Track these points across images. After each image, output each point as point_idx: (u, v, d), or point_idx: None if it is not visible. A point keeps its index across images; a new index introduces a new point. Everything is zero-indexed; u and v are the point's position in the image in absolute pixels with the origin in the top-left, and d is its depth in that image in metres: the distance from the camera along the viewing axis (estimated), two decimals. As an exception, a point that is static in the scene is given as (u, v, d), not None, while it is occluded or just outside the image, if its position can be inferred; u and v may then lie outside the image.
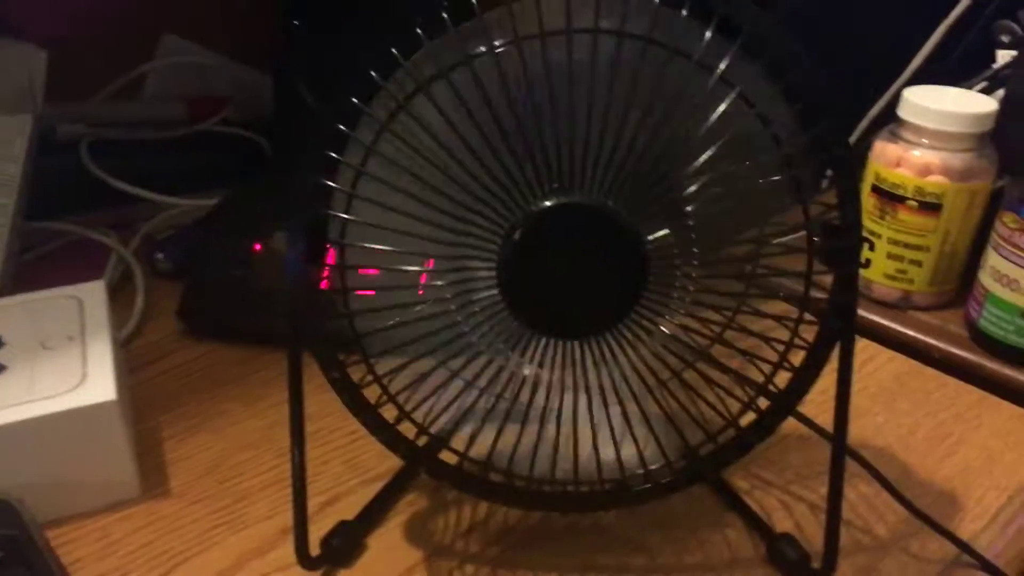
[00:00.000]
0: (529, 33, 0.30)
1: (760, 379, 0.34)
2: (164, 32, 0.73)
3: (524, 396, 0.33)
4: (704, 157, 0.29)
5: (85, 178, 0.64)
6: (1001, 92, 0.69)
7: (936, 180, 0.57)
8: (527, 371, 0.33)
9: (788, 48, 0.30)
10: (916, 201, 0.57)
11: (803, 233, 0.31)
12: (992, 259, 0.54)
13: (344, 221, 0.32)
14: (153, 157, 0.70)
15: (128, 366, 0.51)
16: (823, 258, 0.32)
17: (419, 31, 0.30)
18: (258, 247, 0.54)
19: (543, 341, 0.32)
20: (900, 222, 0.58)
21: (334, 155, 0.31)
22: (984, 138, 0.57)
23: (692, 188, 0.29)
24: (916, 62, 0.73)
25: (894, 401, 0.50)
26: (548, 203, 0.30)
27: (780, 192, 0.29)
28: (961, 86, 0.67)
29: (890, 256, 0.59)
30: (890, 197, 0.58)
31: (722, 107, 0.29)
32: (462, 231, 0.31)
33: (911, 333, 0.58)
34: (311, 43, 0.65)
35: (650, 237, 0.29)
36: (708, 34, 0.29)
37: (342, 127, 0.31)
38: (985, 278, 0.55)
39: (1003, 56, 0.74)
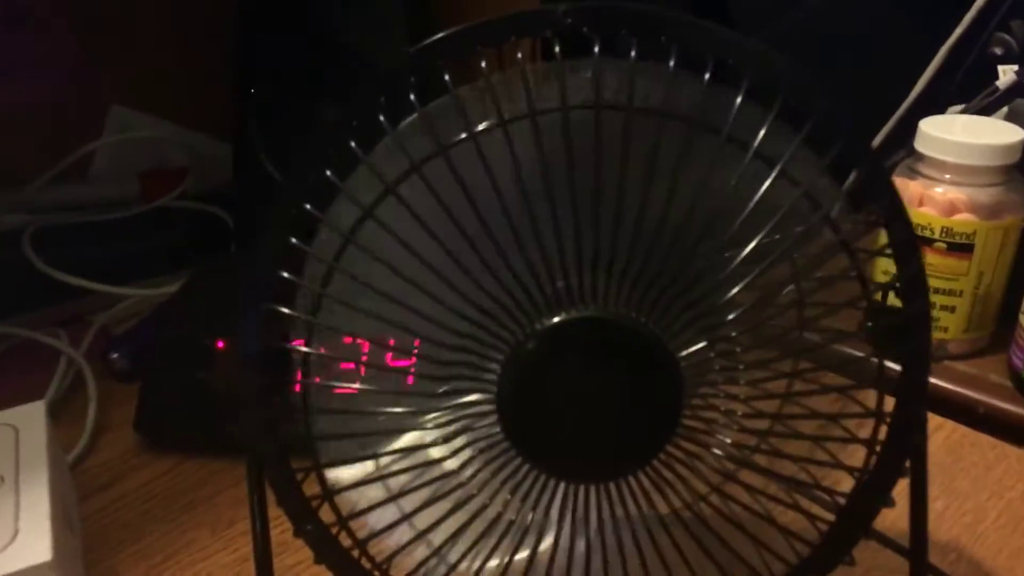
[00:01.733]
0: (518, 113, 0.24)
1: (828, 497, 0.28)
2: (112, 104, 0.67)
3: (526, 548, 0.27)
4: (747, 251, 0.23)
5: (29, 272, 0.58)
6: (1005, 110, 0.65)
7: (965, 218, 0.52)
8: (531, 518, 0.27)
9: (833, 111, 0.24)
10: (944, 243, 0.52)
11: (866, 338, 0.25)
12: (1036, 303, 0.49)
13: (309, 324, 0.26)
14: (105, 242, 0.64)
15: (79, 494, 0.44)
16: (884, 351, 0.26)
17: (381, 118, 0.24)
18: (220, 344, 0.48)
19: (555, 484, 0.26)
20: (929, 266, 0.53)
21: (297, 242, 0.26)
22: (1012, 169, 0.52)
23: (733, 291, 0.24)
24: (920, 84, 0.69)
25: (952, 481, 0.44)
26: (557, 319, 0.24)
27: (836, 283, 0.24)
28: (967, 105, 0.63)
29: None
30: (915, 239, 0.53)
31: (763, 188, 0.24)
32: (449, 360, 0.25)
33: (950, 387, 0.53)
34: (270, 110, 0.60)
35: (683, 353, 0.24)
36: (739, 100, 0.24)
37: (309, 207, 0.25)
38: (1029, 324, 0.50)
39: (1004, 71, 0.70)
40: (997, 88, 0.66)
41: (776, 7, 0.72)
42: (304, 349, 0.26)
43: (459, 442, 0.26)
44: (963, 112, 0.63)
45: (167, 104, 0.68)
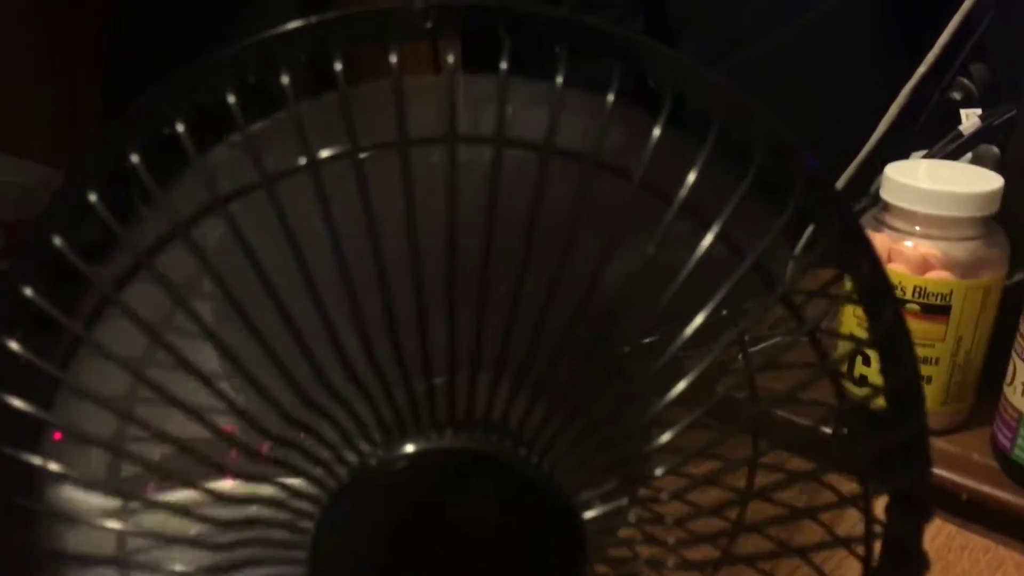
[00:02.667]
0: (380, 140, 0.17)
1: None
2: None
3: None
4: (670, 352, 0.16)
5: None
6: (969, 155, 0.60)
7: (939, 276, 0.45)
8: None
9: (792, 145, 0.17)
10: (918, 304, 0.46)
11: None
12: (1023, 373, 0.43)
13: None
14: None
15: None
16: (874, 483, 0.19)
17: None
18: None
19: None
20: (900, 331, 0.46)
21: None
22: (990, 221, 0.46)
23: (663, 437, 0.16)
24: (882, 127, 0.63)
25: (944, 597, 0.37)
26: (402, 449, 0.17)
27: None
28: (929, 151, 0.58)
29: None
30: (884, 300, 0.46)
31: (694, 258, 0.16)
32: (240, 495, 0.17)
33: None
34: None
35: (588, 515, 0.16)
36: (656, 130, 0.17)
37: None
38: (1016, 398, 0.43)
39: (967, 115, 0.65)
40: (960, 133, 0.61)
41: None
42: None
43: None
44: (926, 158, 0.57)
45: (36, 145, 0.60)
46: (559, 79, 0.17)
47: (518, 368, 0.17)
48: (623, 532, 0.19)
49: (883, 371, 0.19)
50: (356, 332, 0.16)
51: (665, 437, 0.17)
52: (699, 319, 0.17)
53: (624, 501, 0.17)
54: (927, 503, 0.20)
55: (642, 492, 0.17)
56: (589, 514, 0.17)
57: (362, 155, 0.18)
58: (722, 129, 0.16)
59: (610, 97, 0.17)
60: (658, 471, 0.17)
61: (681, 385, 0.18)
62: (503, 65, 0.17)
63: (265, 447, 0.18)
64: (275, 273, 0.16)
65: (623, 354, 0.17)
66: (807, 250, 0.18)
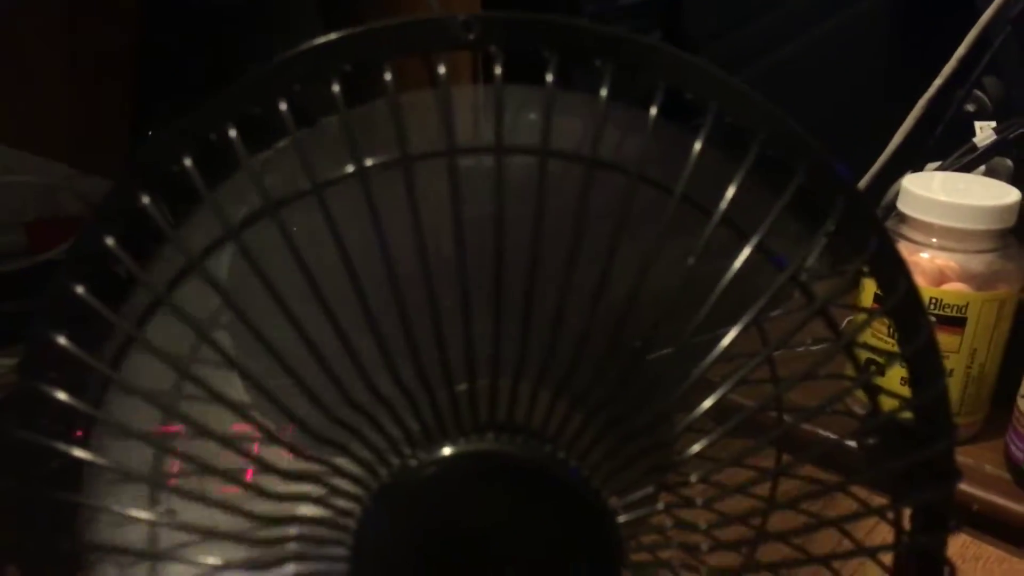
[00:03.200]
0: (422, 151, 0.18)
1: None
2: (-5, 144, 0.59)
3: None
4: (712, 358, 0.16)
5: None
6: (983, 168, 0.60)
7: (955, 288, 0.45)
8: None
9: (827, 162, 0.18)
10: (933, 315, 0.46)
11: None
12: (1037, 386, 0.43)
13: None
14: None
15: None
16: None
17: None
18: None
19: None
20: (915, 342, 0.47)
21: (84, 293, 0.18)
22: (1007, 234, 0.46)
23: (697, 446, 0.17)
24: (898, 138, 0.63)
25: (958, 609, 0.37)
26: (441, 451, 0.17)
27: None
28: (943, 163, 0.58)
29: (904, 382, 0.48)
30: (899, 311, 0.47)
31: (735, 267, 0.17)
32: (277, 519, 0.17)
33: (942, 481, 0.46)
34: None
35: (622, 519, 0.16)
36: (698, 144, 0.17)
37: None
38: (1030, 410, 0.44)
39: (981, 128, 0.66)
40: (975, 146, 0.62)
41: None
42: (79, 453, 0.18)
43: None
44: (940, 170, 0.58)
45: (59, 145, 0.60)
46: (603, 92, 0.17)
47: (558, 376, 0.17)
48: (650, 538, 0.20)
49: (913, 387, 0.20)
50: (403, 336, 0.16)
51: (696, 448, 0.18)
52: (735, 331, 0.18)
53: (657, 507, 0.17)
54: (953, 514, 0.20)
55: (673, 498, 0.18)
56: (623, 519, 0.17)
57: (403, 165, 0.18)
58: (763, 144, 0.17)
59: (653, 111, 0.17)
60: (692, 477, 0.17)
61: (714, 398, 0.18)
62: (548, 78, 0.17)
63: (307, 447, 0.18)
64: (325, 275, 0.17)
65: (659, 363, 0.18)
66: (842, 265, 0.18)
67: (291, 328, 0.18)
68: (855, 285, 0.45)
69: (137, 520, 0.20)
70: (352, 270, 0.16)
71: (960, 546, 0.42)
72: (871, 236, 0.17)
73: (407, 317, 0.16)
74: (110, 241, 0.18)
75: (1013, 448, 0.45)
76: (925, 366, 0.19)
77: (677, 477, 0.18)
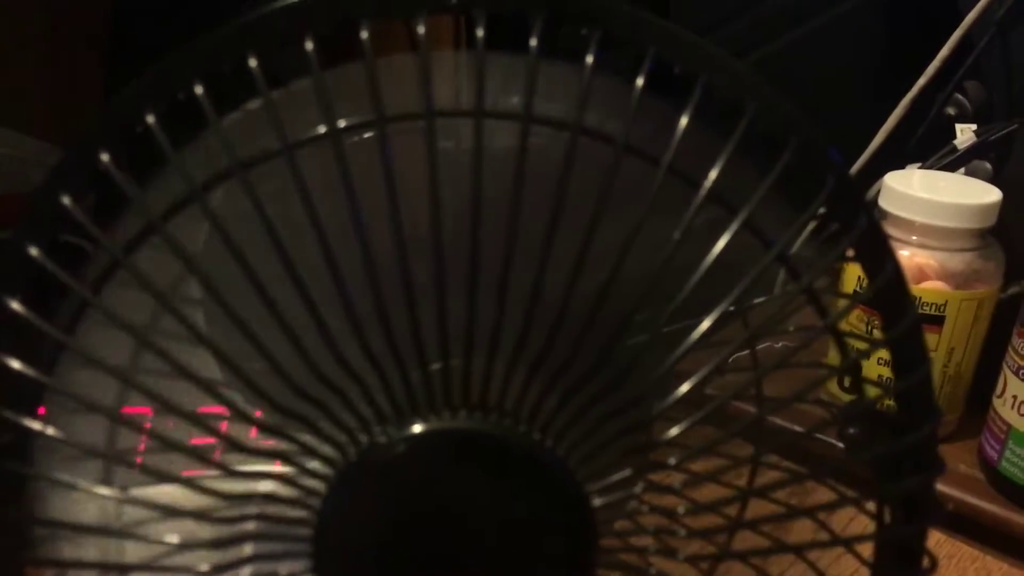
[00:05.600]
0: (401, 112, 0.17)
1: None
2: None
3: None
4: (695, 335, 0.16)
5: None
6: (962, 170, 0.60)
7: (934, 287, 0.45)
8: None
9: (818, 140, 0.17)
10: (912, 313, 0.46)
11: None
12: (1013, 386, 0.43)
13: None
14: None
15: None
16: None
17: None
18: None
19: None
20: (893, 340, 0.46)
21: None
22: (987, 234, 0.46)
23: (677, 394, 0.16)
24: (879, 137, 0.63)
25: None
26: (411, 429, 0.16)
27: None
28: (923, 164, 0.59)
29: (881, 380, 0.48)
30: (878, 308, 0.46)
31: (720, 244, 0.16)
32: (235, 496, 0.17)
33: (916, 479, 0.46)
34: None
35: (597, 502, 0.16)
36: (684, 118, 0.16)
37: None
38: (1005, 410, 0.44)
39: (962, 130, 0.66)
40: (955, 148, 0.62)
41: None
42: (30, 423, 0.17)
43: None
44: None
45: (31, 118, 0.59)
46: (589, 59, 0.16)
47: (535, 355, 0.17)
48: (624, 525, 0.19)
49: (897, 373, 0.19)
50: (375, 308, 0.16)
51: (675, 431, 0.17)
52: (717, 311, 0.17)
53: (634, 490, 0.17)
54: (933, 505, 0.20)
55: (652, 482, 0.17)
56: (598, 501, 0.16)
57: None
58: (752, 120, 0.16)
59: (639, 81, 0.16)
60: (671, 460, 0.16)
61: (691, 382, 0.17)
62: (532, 43, 0.17)
63: (272, 422, 0.17)
64: (295, 242, 0.16)
65: (639, 344, 0.17)
66: (828, 245, 0.17)
67: (259, 298, 0.17)
68: (840, 268, 0.45)
69: (93, 495, 0.19)
70: (322, 235, 0.16)
71: (934, 544, 0.41)
72: (859, 216, 0.17)
73: (377, 287, 0.16)
74: (66, 200, 0.17)
75: (988, 448, 0.45)
76: (909, 352, 0.18)
77: (654, 461, 0.17)
